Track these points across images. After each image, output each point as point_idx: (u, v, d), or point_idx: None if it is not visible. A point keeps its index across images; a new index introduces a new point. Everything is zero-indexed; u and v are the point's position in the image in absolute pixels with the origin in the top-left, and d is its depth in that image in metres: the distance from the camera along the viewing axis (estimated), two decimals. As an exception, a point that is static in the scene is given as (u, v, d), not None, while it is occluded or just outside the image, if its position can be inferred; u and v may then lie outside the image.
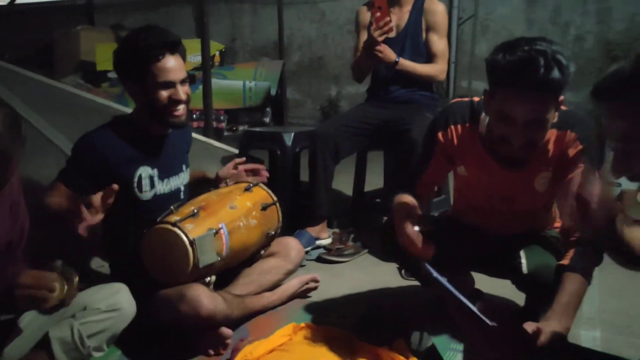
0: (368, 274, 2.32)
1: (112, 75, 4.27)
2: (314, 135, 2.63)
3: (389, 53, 2.57)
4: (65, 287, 1.22)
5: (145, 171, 1.76)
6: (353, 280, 2.24)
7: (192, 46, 4.33)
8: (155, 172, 1.79)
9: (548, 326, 1.30)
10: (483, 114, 1.54)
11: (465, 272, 1.88)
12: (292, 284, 2.00)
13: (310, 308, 1.97)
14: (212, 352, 1.62)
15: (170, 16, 6.18)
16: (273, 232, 1.97)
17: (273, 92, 3.96)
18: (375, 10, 2.42)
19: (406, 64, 2.62)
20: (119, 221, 1.66)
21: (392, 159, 2.88)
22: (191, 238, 1.59)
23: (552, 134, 1.49)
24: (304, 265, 2.27)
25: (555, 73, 1.29)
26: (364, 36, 2.71)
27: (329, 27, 6.00)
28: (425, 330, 1.73)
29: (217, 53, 4.56)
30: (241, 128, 3.76)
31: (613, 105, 0.92)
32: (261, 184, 2.02)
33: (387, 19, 2.41)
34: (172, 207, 1.70)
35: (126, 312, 1.47)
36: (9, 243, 1.26)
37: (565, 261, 1.42)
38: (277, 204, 2.00)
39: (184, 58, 1.79)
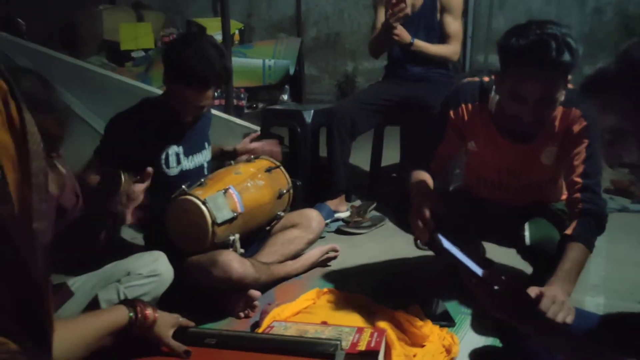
0: (385, 244, 2.44)
1: (136, 54, 4.38)
2: (331, 113, 2.73)
3: (404, 35, 2.64)
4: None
5: (172, 149, 1.90)
6: (370, 251, 2.37)
7: (212, 25, 4.41)
8: (180, 149, 1.92)
9: (550, 291, 1.41)
10: (492, 93, 1.64)
11: (476, 241, 1.99)
12: (313, 253, 2.14)
13: (331, 276, 2.11)
14: (242, 314, 1.76)
15: (188, -6, 6.23)
16: (285, 191, 2.07)
17: (292, 70, 4.04)
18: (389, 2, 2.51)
19: (420, 45, 2.70)
20: (150, 196, 1.79)
21: (408, 135, 2.97)
22: (202, 199, 1.73)
23: (558, 111, 1.57)
24: (323, 237, 2.40)
25: (566, 55, 1.37)
26: (381, 13, 2.78)
27: (345, 2, 6.01)
28: (438, 297, 1.86)
29: (237, 32, 4.63)
30: (260, 105, 3.86)
31: (600, 101, 0.98)
32: (264, 157, 2.13)
33: (403, 5, 2.50)
34: (183, 186, 1.81)
35: (165, 277, 1.61)
36: (64, 208, 1.39)
37: (568, 231, 1.52)
38: (281, 167, 2.12)
39: (218, 86, 1.89)
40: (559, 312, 1.35)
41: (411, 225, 1.57)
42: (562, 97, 1.49)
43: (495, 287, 1.12)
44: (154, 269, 1.60)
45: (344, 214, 2.72)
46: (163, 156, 1.88)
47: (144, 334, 1.20)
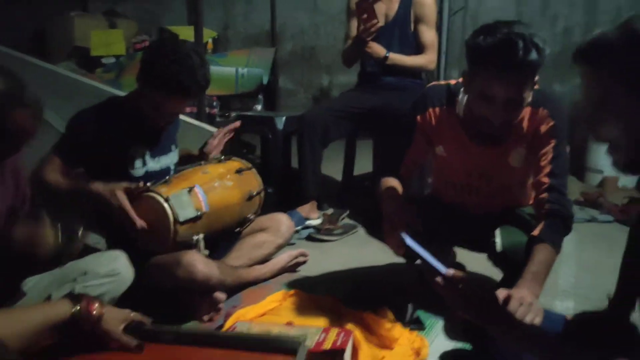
0: (356, 251, 2.41)
1: (107, 60, 4.32)
2: (302, 119, 2.71)
3: (378, 49, 2.65)
4: (59, 236, 1.30)
5: (137, 149, 1.84)
6: (341, 257, 2.33)
7: (186, 33, 4.37)
8: (146, 150, 1.86)
9: (518, 292, 1.39)
10: (459, 96, 1.63)
11: (447, 247, 1.98)
12: (282, 258, 2.09)
13: (299, 281, 2.06)
14: (206, 317, 1.70)
15: (163, 4, 6.20)
16: (255, 193, 2.01)
17: (265, 79, 4.03)
18: (362, 12, 2.54)
19: (396, 57, 2.70)
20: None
21: (381, 144, 2.97)
22: (165, 196, 1.68)
23: (526, 112, 1.57)
24: (293, 244, 2.36)
25: (533, 55, 1.37)
26: (354, 24, 2.79)
27: (321, 17, 6.05)
28: (409, 302, 1.83)
29: (210, 40, 4.60)
30: (233, 114, 3.83)
31: (592, 69, 0.93)
32: (235, 158, 2.08)
33: (374, 21, 2.51)
34: (147, 184, 1.75)
35: (124, 277, 1.54)
36: (13, 208, 1.33)
37: (536, 232, 1.50)
38: (253, 169, 2.07)
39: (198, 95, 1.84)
40: (527, 313, 1.32)
41: (385, 232, 1.54)
42: (529, 97, 1.48)
43: (460, 286, 1.10)
44: (112, 269, 1.53)
45: (315, 222, 2.68)
46: (128, 156, 1.82)
47: (92, 330, 1.14)
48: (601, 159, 3.48)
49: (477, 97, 1.48)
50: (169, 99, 1.74)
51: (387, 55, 2.67)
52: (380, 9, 2.72)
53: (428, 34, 2.77)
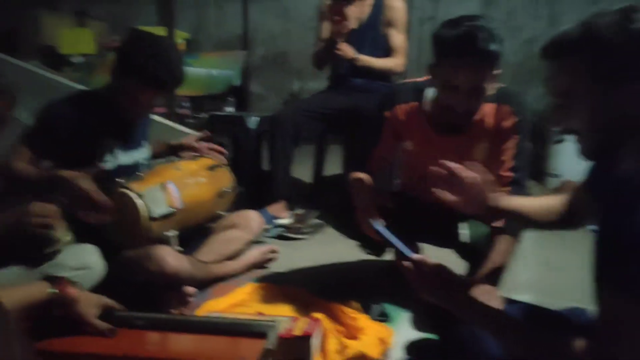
0: (325, 249, 2.45)
1: (76, 60, 4.27)
2: (274, 118, 2.75)
3: (348, 51, 2.71)
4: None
5: (108, 142, 1.84)
6: (311, 255, 2.37)
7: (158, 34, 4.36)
8: (118, 144, 1.87)
9: (480, 280, 1.47)
10: (426, 92, 1.70)
11: (413, 242, 2.03)
12: (252, 254, 2.12)
13: (269, 277, 2.09)
14: (175, 311, 1.71)
15: (134, 7, 6.17)
16: (227, 190, 2.04)
17: (236, 81, 4.06)
18: (334, 14, 2.61)
19: (365, 59, 2.76)
20: None
21: (350, 145, 3.03)
22: (138, 192, 1.70)
23: (489, 108, 1.66)
24: (263, 242, 2.38)
25: (492, 45, 1.47)
26: (325, 26, 2.85)
27: (293, 22, 6.11)
28: (377, 296, 1.88)
29: (183, 41, 4.60)
30: (204, 115, 3.84)
31: (558, 63, 0.99)
32: (208, 156, 2.10)
33: (346, 22, 2.58)
34: (121, 181, 1.76)
35: (95, 271, 1.56)
36: None
37: (497, 223, 1.58)
38: (225, 166, 2.10)
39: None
40: (487, 301, 1.39)
41: (359, 221, 1.58)
42: (490, 88, 1.57)
43: (427, 270, 1.16)
44: (83, 262, 1.55)
45: (285, 221, 2.71)
46: (98, 149, 1.82)
47: (66, 312, 1.15)
48: (560, 163, 3.62)
49: (442, 87, 1.56)
50: (145, 91, 1.76)
51: (357, 57, 2.73)
52: (352, 12, 2.78)
53: (398, 38, 2.83)
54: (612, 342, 0.89)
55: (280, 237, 2.59)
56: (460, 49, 1.47)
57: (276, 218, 2.69)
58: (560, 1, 5.11)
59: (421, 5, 5.53)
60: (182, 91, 3.75)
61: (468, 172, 1.31)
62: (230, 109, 4.27)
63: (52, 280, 1.17)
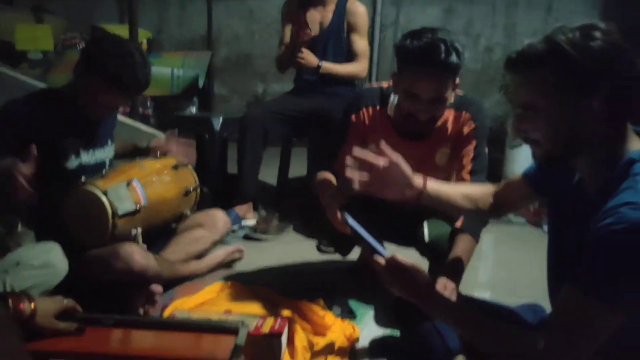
0: (290, 249, 2.48)
1: (33, 56, 4.14)
2: (243, 119, 2.75)
3: (310, 59, 2.72)
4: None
5: (71, 141, 1.81)
6: (276, 254, 2.40)
7: (120, 32, 4.27)
8: (81, 142, 1.84)
9: (442, 279, 1.53)
10: (391, 97, 1.76)
11: (379, 241, 2.08)
12: (218, 254, 2.12)
13: (235, 276, 2.10)
14: (142, 310, 1.70)
15: (93, 3, 6.04)
16: (192, 189, 2.04)
17: (201, 82, 4.02)
18: (295, 21, 2.64)
19: (328, 67, 2.78)
20: (45, 190, 1.70)
21: (315, 148, 3.06)
22: (102, 189, 1.68)
23: (450, 114, 1.73)
24: (228, 242, 2.39)
25: (453, 57, 1.53)
26: (287, 30, 2.87)
27: (257, 24, 6.10)
28: (341, 293, 1.93)
29: (145, 41, 4.52)
30: (168, 116, 3.80)
31: (521, 76, 1.04)
32: (172, 155, 2.09)
33: (308, 30, 2.62)
34: (82, 177, 1.74)
35: (59, 269, 1.53)
36: None
37: (458, 224, 1.65)
38: (189, 166, 2.10)
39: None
40: (449, 297, 1.46)
41: (328, 216, 1.61)
42: (451, 97, 1.63)
43: (397, 266, 1.20)
44: (46, 260, 1.52)
45: (251, 222, 2.73)
46: (61, 148, 1.79)
47: (25, 326, 1.13)
48: (516, 168, 3.76)
49: (404, 95, 1.62)
50: (107, 92, 1.74)
51: (320, 64, 2.75)
52: (314, 17, 2.82)
53: (360, 43, 2.87)
54: (568, 334, 0.96)
55: (247, 238, 2.60)
56: (421, 61, 1.53)
57: (243, 219, 2.71)
58: (516, 11, 5.30)
59: (384, 11, 5.64)
60: (146, 91, 3.69)
61: (379, 159, 1.34)
62: (193, 110, 4.24)
63: (2, 298, 1.14)
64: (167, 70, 3.87)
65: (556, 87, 0.98)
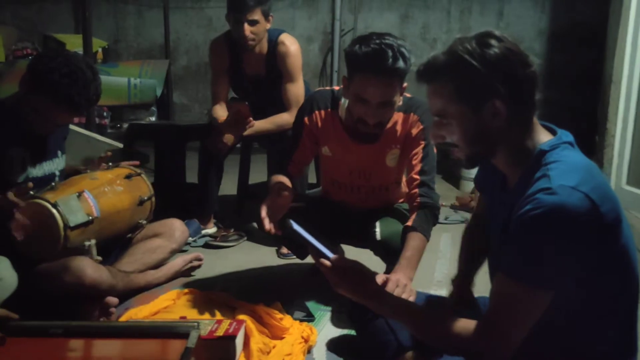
0: (250, 255, 2.48)
1: (-16, 68, 4.04)
2: (203, 130, 2.71)
3: (232, 139, 2.52)
4: None
5: (16, 153, 1.77)
6: (236, 261, 2.40)
7: (73, 42, 4.21)
8: (27, 155, 1.81)
9: (395, 276, 1.56)
10: (342, 100, 1.80)
11: (334, 243, 2.12)
12: (176, 263, 2.11)
13: (195, 284, 2.08)
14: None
15: (46, 13, 5.92)
16: (146, 198, 2.02)
17: (159, 91, 4.00)
18: (234, 115, 2.49)
19: (258, 128, 2.55)
20: None
21: (273, 155, 3.07)
22: (52, 201, 1.66)
23: (399, 117, 1.78)
24: (186, 251, 2.38)
25: (400, 63, 1.58)
26: (223, 80, 2.71)
27: (215, 33, 6.03)
28: (299, 296, 1.94)
29: (100, 50, 4.47)
30: (125, 125, 3.75)
31: (430, 87, 1.12)
32: (124, 165, 2.08)
33: (249, 120, 2.48)
34: (31, 192, 1.70)
35: (7, 283, 1.50)
36: None
37: (409, 222, 1.70)
38: (143, 175, 2.08)
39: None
40: (402, 293, 1.50)
41: (261, 217, 1.62)
42: (399, 101, 1.68)
43: (342, 267, 1.22)
44: (-6, 274, 1.48)
45: (211, 230, 2.72)
46: (5, 160, 1.74)
47: None
48: (473, 170, 3.86)
49: (354, 99, 1.65)
50: (57, 111, 1.73)
51: (250, 132, 2.54)
52: (249, 69, 2.68)
53: (292, 90, 2.62)
54: (499, 319, 1.01)
55: (207, 246, 2.59)
56: (369, 66, 1.57)
57: (202, 227, 2.69)
58: (470, 16, 5.45)
59: (342, 18, 5.72)
60: (102, 101, 3.64)
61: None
62: (152, 119, 4.22)
63: None
64: (124, 80, 3.85)
65: (460, 93, 1.06)
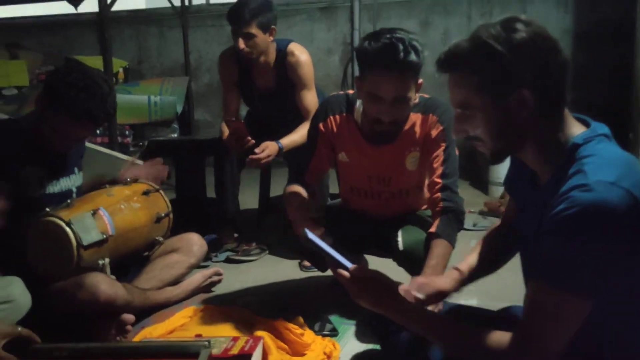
0: (272, 269, 2.42)
1: (8, 92, 4.12)
2: (220, 142, 2.69)
3: (271, 151, 2.31)
4: None
5: (32, 170, 1.76)
6: (257, 275, 2.34)
7: (94, 63, 4.25)
8: (44, 172, 1.79)
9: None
10: (357, 104, 1.73)
11: (357, 254, 2.04)
12: (195, 278, 2.06)
13: (214, 300, 2.03)
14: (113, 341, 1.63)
15: (71, 38, 6.05)
16: (163, 215, 1.99)
17: (179, 108, 4.00)
18: (234, 133, 2.37)
19: (288, 144, 2.42)
20: (10, 222, 1.65)
21: (293, 167, 3.01)
22: (66, 220, 1.63)
23: (417, 118, 1.71)
24: (207, 266, 2.33)
25: (412, 56, 1.51)
26: (232, 93, 2.70)
27: (236, 50, 6.13)
28: (322, 310, 1.87)
29: (121, 70, 4.52)
30: (147, 142, 3.77)
31: (452, 77, 1.04)
32: (142, 180, 2.05)
33: (246, 140, 2.35)
34: (47, 209, 1.69)
35: (20, 304, 1.47)
36: None
37: (432, 229, 1.61)
38: (161, 191, 2.05)
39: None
40: (427, 305, 1.40)
41: (292, 222, 1.57)
42: (415, 98, 1.61)
43: (362, 277, 1.15)
44: (7, 295, 1.47)
45: (233, 244, 2.67)
46: (22, 177, 1.73)
47: None
48: (502, 173, 3.74)
49: (367, 97, 1.59)
50: (75, 126, 1.71)
51: (281, 147, 2.39)
52: (259, 82, 2.64)
53: (307, 98, 2.55)
54: (537, 331, 0.92)
55: (228, 261, 2.54)
56: (381, 62, 1.52)
57: (224, 242, 2.65)
58: (491, 18, 5.23)
59: (362, 28, 5.68)
60: (123, 119, 3.68)
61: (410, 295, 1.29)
62: (174, 136, 4.22)
63: None
64: (144, 98, 3.86)
65: (484, 82, 0.98)
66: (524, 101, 0.96)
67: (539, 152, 1.01)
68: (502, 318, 1.32)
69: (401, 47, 1.49)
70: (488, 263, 1.36)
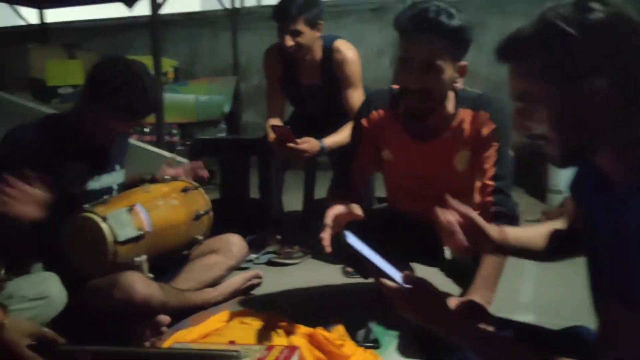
0: (314, 273, 2.34)
1: (63, 91, 4.25)
2: (264, 141, 2.64)
3: (312, 147, 2.29)
4: None
5: (75, 166, 1.75)
6: (298, 279, 2.26)
7: (145, 62, 4.32)
8: (86, 168, 1.78)
9: (469, 299, 1.35)
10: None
11: (402, 262, 1.92)
12: (234, 280, 2.00)
13: (253, 303, 1.97)
14: (147, 343, 1.59)
15: (127, 39, 6.21)
16: (203, 212, 1.94)
17: (227, 107, 4.00)
18: (279, 138, 2.28)
19: (331, 143, 2.37)
20: (50, 217, 1.64)
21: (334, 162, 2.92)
22: (102, 215, 1.60)
23: (467, 115, 1.58)
24: (248, 268, 2.28)
25: (443, 17, 1.42)
26: (277, 92, 2.65)
27: (285, 51, 6.11)
28: (365, 320, 1.76)
29: (171, 69, 4.58)
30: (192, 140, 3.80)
31: (514, 65, 0.92)
32: (182, 178, 2.01)
33: (291, 144, 2.26)
34: (85, 205, 1.68)
35: (55, 300, 1.45)
36: None
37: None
38: (200, 189, 2.00)
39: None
40: (478, 318, 1.28)
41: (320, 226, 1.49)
42: (454, 76, 1.50)
43: (406, 286, 1.05)
44: (41, 291, 1.44)
45: (275, 246, 2.61)
46: (65, 174, 1.72)
47: None
48: (562, 179, 3.51)
49: (397, 67, 1.52)
50: (117, 119, 1.70)
51: (323, 146, 2.34)
52: (304, 79, 2.57)
53: (354, 97, 2.44)
54: (615, 353, 0.78)
55: (270, 263, 2.48)
56: (412, 23, 1.46)
57: (266, 244, 2.59)
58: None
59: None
60: (171, 118, 3.71)
61: (448, 216, 1.20)
62: (222, 135, 4.23)
63: None
64: (192, 97, 3.89)
65: (551, 69, 0.85)
66: (598, 91, 0.82)
67: (615, 150, 0.87)
68: (566, 339, 1.18)
69: (433, 8, 1.43)
70: (540, 249, 1.21)
